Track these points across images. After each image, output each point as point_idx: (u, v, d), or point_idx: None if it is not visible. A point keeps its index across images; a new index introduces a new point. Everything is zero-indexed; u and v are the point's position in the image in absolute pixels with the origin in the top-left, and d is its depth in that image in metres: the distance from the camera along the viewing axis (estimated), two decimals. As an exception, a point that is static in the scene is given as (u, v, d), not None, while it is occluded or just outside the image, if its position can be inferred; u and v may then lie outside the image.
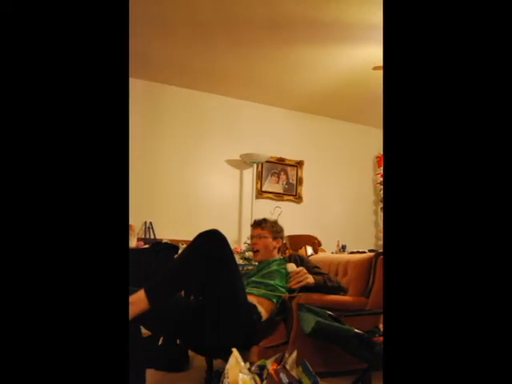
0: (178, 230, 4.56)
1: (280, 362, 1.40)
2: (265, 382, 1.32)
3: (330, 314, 2.01)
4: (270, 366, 1.37)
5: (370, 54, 3.95)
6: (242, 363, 1.32)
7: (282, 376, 1.32)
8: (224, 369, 1.31)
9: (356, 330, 1.77)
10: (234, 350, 1.36)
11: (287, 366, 1.36)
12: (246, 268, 4.08)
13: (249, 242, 4.46)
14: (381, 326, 2.23)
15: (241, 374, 1.30)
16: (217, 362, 2.43)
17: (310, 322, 1.88)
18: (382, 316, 2.36)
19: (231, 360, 1.33)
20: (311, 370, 1.39)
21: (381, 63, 3.82)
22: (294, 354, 1.44)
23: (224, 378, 1.30)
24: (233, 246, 4.67)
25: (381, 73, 3.66)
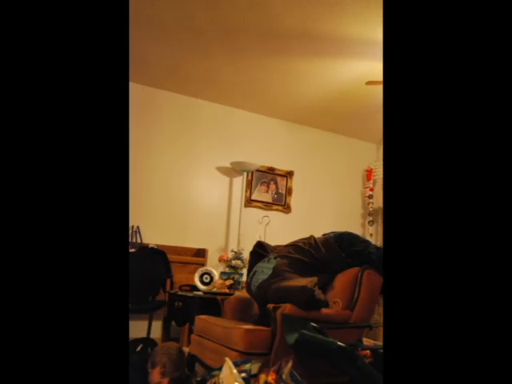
0: (165, 234, 4.54)
1: (278, 371, 1.41)
2: None
3: (314, 326, 2.01)
4: (268, 375, 1.37)
5: (364, 68, 3.99)
6: (236, 372, 1.32)
7: None
8: (206, 377, 1.31)
9: (339, 343, 1.78)
10: (227, 359, 1.35)
11: (283, 376, 1.36)
12: (232, 276, 4.06)
13: (235, 250, 4.45)
14: (364, 340, 2.23)
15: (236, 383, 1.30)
16: (198, 369, 2.42)
17: (293, 333, 1.88)
18: (365, 330, 2.36)
19: (225, 369, 1.33)
20: (300, 380, 1.40)
21: (374, 78, 3.87)
22: (290, 364, 1.45)
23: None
24: (219, 253, 4.65)
25: (373, 88, 3.70)
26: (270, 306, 2.24)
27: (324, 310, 2.27)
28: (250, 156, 5.08)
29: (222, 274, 4.12)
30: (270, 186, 5.34)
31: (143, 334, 3.56)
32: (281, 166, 5.41)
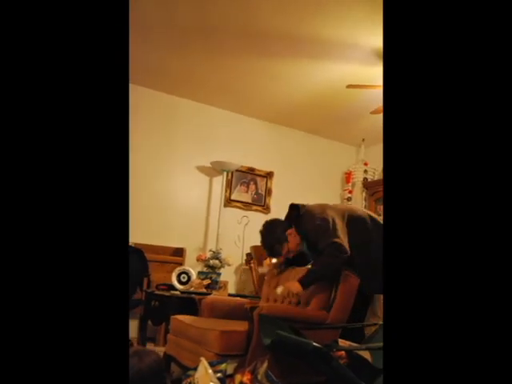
0: (143, 233, 4.50)
1: (253, 371, 1.41)
2: None
3: (290, 327, 2.02)
4: (243, 375, 1.37)
5: (345, 71, 4.02)
6: (211, 372, 1.32)
7: None
8: (182, 377, 1.30)
9: (315, 344, 1.79)
10: (202, 359, 1.35)
11: (259, 377, 1.37)
12: (210, 276, 4.05)
13: (214, 249, 4.44)
14: (339, 341, 2.25)
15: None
16: (174, 369, 2.41)
17: (270, 333, 1.89)
18: (340, 330, 2.39)
19: (200, 369, 1.33)
20: (276, 380, 1.40)
21: (355, 82, 3.91)
22: (265, 365, 1.45)
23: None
24: (197, 253, 4.63)
25: (354, 91, 3.73)
26: (248, 305, 2.25)
27: (301, 310, 2.29)
28: (231, 156, 5.07)
29: (200, 273, 4.10)
30: (249, 186, 5.34)
31: (119, 333, 3.52)
32: (261, 166, 5.42)
